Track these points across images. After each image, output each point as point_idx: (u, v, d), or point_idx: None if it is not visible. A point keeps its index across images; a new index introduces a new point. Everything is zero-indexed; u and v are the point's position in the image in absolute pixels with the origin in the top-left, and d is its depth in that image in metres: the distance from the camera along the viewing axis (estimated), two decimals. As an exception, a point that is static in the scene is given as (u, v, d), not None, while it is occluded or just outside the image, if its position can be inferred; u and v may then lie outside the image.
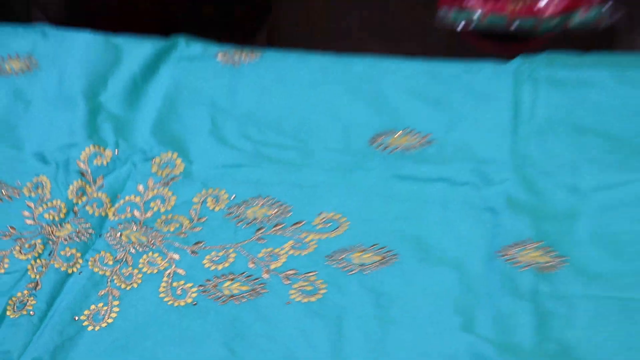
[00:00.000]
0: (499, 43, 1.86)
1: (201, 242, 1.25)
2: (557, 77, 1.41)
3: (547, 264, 1.16)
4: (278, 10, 2.19)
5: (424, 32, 1.94)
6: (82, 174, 1.36)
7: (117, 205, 1.32)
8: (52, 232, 1.28)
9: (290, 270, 1.19)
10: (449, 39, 1.95)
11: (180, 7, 2.06)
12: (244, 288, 1.17)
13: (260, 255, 1.22)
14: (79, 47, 1.52)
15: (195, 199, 1.32)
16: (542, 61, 1.44)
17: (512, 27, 1.86)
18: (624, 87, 1.37)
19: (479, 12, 1.89)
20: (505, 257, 1.16)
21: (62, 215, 1.30)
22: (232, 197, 1.32)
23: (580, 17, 1.82)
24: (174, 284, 1.19)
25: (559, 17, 1.83)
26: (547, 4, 1.86)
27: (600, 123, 1.34)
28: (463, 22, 1.88)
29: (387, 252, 1.20)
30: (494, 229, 1.21)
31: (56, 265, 1.21)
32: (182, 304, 1.16)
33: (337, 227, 1.25)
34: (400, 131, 1.37)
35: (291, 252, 1.22)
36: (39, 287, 1.19)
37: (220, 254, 1.23)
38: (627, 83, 1.37)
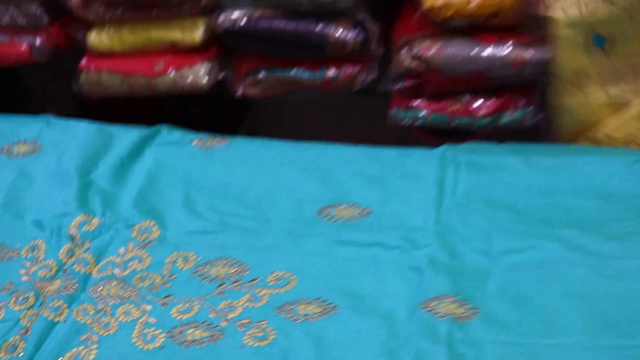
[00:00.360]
0: (441, 137, 1.89)
1: (170, 296, 1.26)
2: (475, 161, 1.45)
3: (461, 315, 1.17)
4: (256, 110, 2.23)
5: (378, 128, 1.94)
6: (72, 238, 1.38)
7: (100, 264, 1.34)
8: (44, 287, 1.29)
9: (245, 319, 1.20)
10: (400, 133, 1.97)
11: (173, 106, 2.07)
12: (205, 334, 1.18)
13: (220, 306, 1.23)
14: (78, 133, 1.57)
15: (167, 260, 1.34)
16: (463, 149, 1.49)
17: (452, 124, 1.89)
18: (530, 170, 1.41)
19: (424, 111, 1.93)
20: (427, 308, 1.18)
21: (53, 273, 1.32)
22: (199, 258, 1.33)
23: (508, 117, 1.86)
24: (145, 330, 1.20)
25: (491, 116, 1.87)
26: (480, 106, 1.90)
27: (509, 199, 1.38)
28: (410, 120, 1.92)
29: (328, 304, 1.22)
30: (418, 285, 1.23)
31: (45, 315, 1.23)
32: (152, 347, 1.18)
33: (287, 284, 1.27)
34: (344, 204, 1.41)
35: (247, 304, 1.23)
36: (29, 332, 1.21)
37: (186, 305, 1.24)
38: (532, 167, 1.42)
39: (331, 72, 1.97)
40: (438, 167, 1.46)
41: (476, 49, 1.83)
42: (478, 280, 1.25)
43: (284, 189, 1.46)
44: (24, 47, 2.09)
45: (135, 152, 1.56)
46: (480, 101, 1.91)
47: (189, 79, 1.99)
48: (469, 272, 1.27)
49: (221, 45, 1.99)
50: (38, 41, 2.08)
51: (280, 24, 1.86)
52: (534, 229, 1.32)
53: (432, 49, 1.86)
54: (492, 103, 1.90)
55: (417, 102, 1.98)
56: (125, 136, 1.57)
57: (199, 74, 2.00)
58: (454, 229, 1.34)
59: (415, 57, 1.91)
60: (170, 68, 1.97)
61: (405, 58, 1.92)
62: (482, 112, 1.90)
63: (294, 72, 2.00)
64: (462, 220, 1.35)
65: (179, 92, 2.00)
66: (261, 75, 1.99)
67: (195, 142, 1.57)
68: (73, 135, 1.57)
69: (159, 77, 2.01)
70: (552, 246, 1.28)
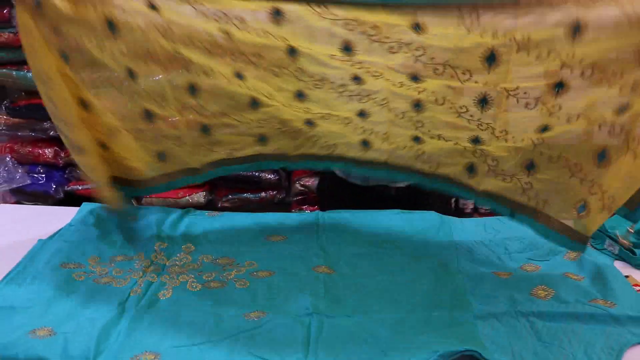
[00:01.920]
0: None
1: (202, 272, 1.54)
2: (333, 216, 1.75)
3: (329, 272, 1.51)
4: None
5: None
6: (155, 251, 1.63)
7: (170, 260, 1.60)
8: (145, 269, 1.55)
9: (235, 278, 1.51)
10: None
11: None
12: (219, 284, 1.47)
13: (224, 274, 1.52)
14: (154, 213, 1.78)
15: (199, 258, 1.60)
16: (325, 212, 1.78)
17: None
18: (363, 226, 1.70)
19: (309, 211, 2.37)
20: (314, 270, 1.52)
21: (148, 264, 1.58)
22: (213, 257, 1.60)
23: None
24: (192, 284, 1.49)
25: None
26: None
27: (354, 237, 1.67)
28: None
29: (272, 271, 1.53)
30: (310, 262, 1.55)
31: (147, 279, 1.50)
32: (195, 290, 1.47)
33: (252, 265, 1.57)
34: (274, 234, 1.69)
35: (235, 272, 1.53)
36: (141, 285, 1.47)
37: (209, 274, 1.53)
38: (367, 222, 1.74)
39: (263, 194, 2.37)
40: (314, 219, 1.76)
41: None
42: (335, 260, 1.57)
43: (246, 229, 1.72)
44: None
45: (179, 218, 1.78)
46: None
47: (195, 199, 2.42)
48: (331, 256, 1.59)
49: (210, 183, 2.40)
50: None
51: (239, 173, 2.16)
52: (368, 250, 1.62)
53: (309, 181, 2.31)
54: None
55: (305, 207, 2.41)
56: (174, 212, 1.78)
57: (200, 197, 2.38)
58: (330, 248, 1.64)
59: (302, 185, 2.36)
60: (187, 194, 2.37)
61: (297, 186, 2.38)
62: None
63: (245, 195, 2.44)
64: (333, 243, 1.65)
65: (190, 205, 2.34)
66: (229, 197, 2.41)
67: (207, 214, 1.81)
68: (151, 214, 1.77)
69: (180, 198, 2.41)
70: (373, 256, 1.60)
